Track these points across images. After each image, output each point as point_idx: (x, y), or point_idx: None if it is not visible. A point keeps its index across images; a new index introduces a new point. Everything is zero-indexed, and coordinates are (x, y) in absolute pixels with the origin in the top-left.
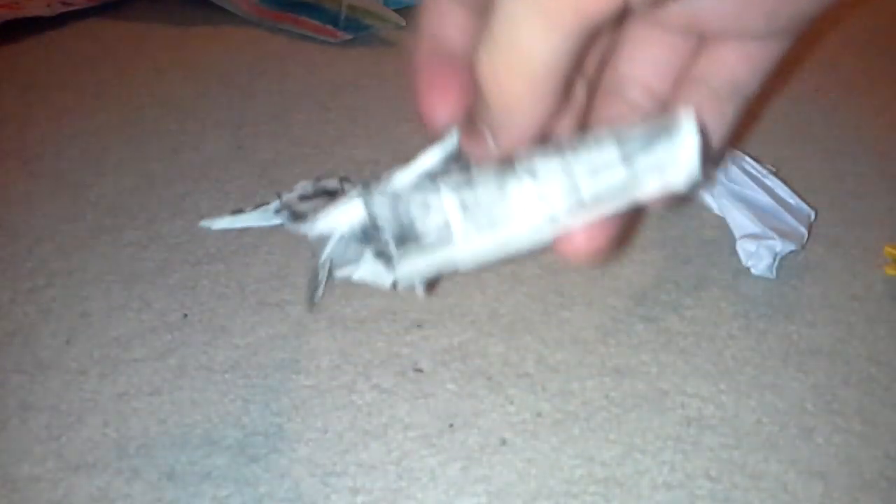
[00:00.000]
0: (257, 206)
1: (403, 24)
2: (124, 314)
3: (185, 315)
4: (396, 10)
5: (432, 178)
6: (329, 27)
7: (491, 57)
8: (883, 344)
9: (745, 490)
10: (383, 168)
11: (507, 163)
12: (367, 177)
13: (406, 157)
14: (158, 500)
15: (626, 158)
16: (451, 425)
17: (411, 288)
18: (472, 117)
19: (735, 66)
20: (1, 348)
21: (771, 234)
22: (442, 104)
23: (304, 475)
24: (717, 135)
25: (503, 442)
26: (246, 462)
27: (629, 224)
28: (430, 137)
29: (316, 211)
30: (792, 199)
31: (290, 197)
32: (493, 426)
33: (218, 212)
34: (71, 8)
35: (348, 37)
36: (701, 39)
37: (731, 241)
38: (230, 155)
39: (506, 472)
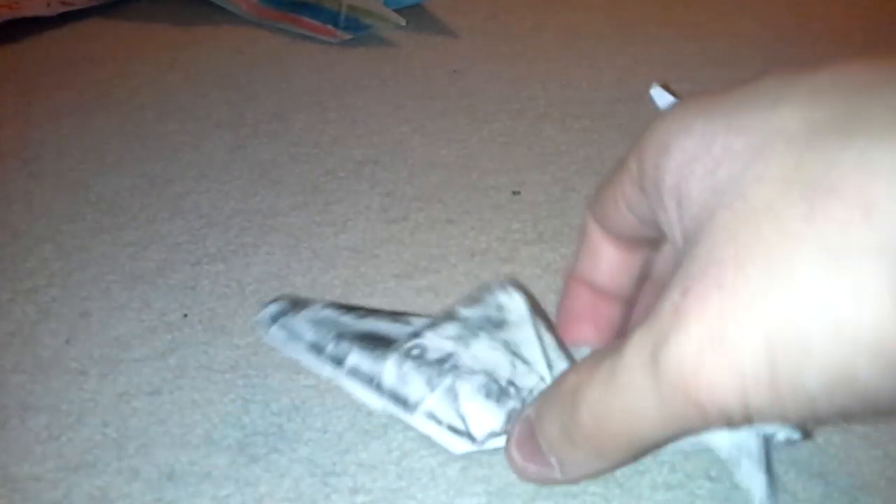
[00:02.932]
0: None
1: (403, 23)
2: (124, 314)
3: (185, 315)
4: (396, 10)
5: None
6: (329, 27)
7: (600, 404)
8: None
9: (745, 490)
10: (383, 168)
11: None
12: (367, 177)
13: (406, 157)
14: (158, 500)
15: None
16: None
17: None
18: (535, 446)
19: None
20: (1, 348)
21: None
22: (578, 332)
23: (304, 475)
24: None
25: None
26: (246, 462)
27: None
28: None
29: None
30: None
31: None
32: None
33: (218, 212)
34: (71, 8)
35: (348, 37)
36: None
37: None
38: (230, 155)
39: (506, 472)
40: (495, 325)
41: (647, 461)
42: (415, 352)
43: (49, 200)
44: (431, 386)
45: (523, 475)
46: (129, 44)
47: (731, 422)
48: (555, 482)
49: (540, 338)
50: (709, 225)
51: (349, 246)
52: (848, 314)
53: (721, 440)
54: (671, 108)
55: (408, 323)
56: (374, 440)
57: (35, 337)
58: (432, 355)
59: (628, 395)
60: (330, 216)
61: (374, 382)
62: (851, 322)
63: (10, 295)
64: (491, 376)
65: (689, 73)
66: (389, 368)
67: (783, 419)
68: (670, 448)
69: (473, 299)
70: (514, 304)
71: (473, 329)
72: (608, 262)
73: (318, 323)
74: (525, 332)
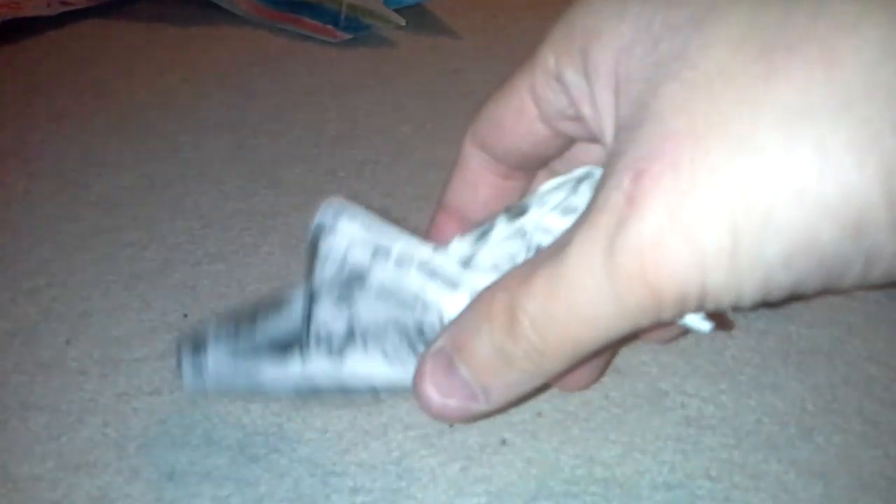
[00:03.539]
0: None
1: (403, 23)
2: (124, 314)
3: (185, 315)
4: (396, 10)
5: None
6: (329, 27)
7: (543, 314)
8: (883, 344)
9: (745, 490)
10: (383, 168)
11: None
12: (367, 177)
13: (406, 157)
14: (158, 500)
15: None
16: (451, 425)
17: None
18: (452, 375)
19: None
20: (1, 348)
21: None
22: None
23: (304, 475)
24: None
25: (503, 442)
26: (246, 462)
27: None
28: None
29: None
30: None
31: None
32: (493, 426)
33: (218, 212)
34: (71, 8)
35: (348, 37)
36: None
37: None
38: (230, 155)
39: (506, 472)
40: (356, 279)
41: (647, 461)
42: (323, 332)
43: (49, 200)
44: (389, 358)
45: (442, 414)
46: (129, 44)
47: (684, 310)
48: (478, 414)
49: (398, 270)
50: (654, 102)
51: None
52: (811, 178)
53: None
54: None
55: (287, 302)
56: (374, 440)
57: (35, 337)
58: (337, 326)
59: (577, 297)
60: None
61: (339, 390)
62: (815, 186)
63: (10, 295)
64: (401, 329)
65: None
66: (328, 386)
67: (737, 299)
68: (670, 448)
69: (315, 258)
70: (351, 242)
71: (346, 290)
72: (486, 193)
73: (233, 362)
74: (383, 274)
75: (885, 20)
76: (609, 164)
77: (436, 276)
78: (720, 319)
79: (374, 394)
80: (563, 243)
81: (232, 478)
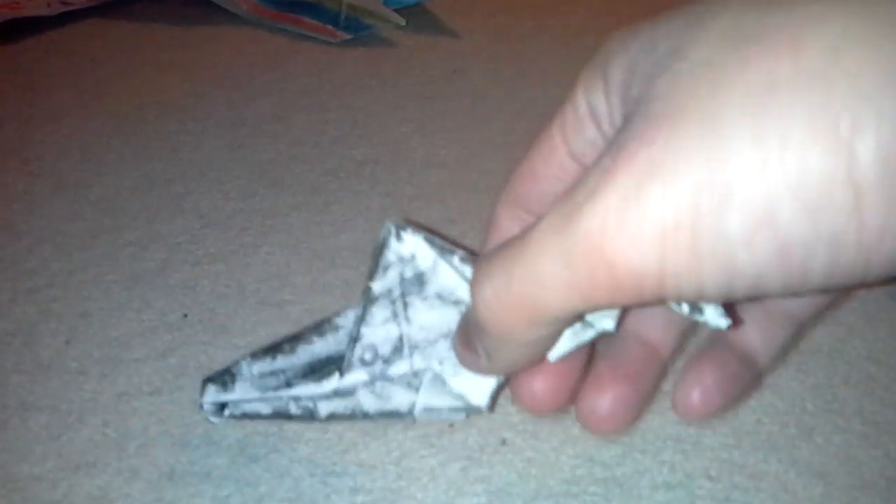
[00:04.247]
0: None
1: (403, 23)
2: (124, 314)
3: (185, 315)
4: (396, 10)
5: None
6: (329, 27)
7: (504, 291)
8: (883, 344)
9: (745, 490)
10: (383, 168)
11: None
12: (367, 177)
13: (406, 157)
14: (158, 500)
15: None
16: (451, 425)
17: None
18: (468, 333)
19: (789, 304)
20: (1, 348)
21: None
22: None
23: (304, 475)
24: (767, 355)
25: (503, 442)
26: (246, 462)
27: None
28: None
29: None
30: None
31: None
32: (493, 426)
33: (218, 212)
34: (71, 8)
35: (348, 37)
36: None
37: None
38: (230, 155)
39: (506, 472)
40: (416, 283)
41: (647, 461)
42: (367, 356)
43: (49, 200)
44: (414, 387)
45: (464, 364)
46: (129, 44)
47: (641, 294)
48: (488, 371)
49: (460, 272)
50: (646, 93)
51: (349, 246)
52: (772, 156)
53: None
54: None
55: (335, 328)
56: (374, 440)
57: (35, 337)
58: (384, 349)
59: (536, 262)
60: (330, 216)
61: (358, 414)
62: (776, 163)
63: (10, 295)
64: (451, 336)
65: None
66: (365, 397)
67: (699, 287)
68: (670, 448)
69: (377, 267)
70: (417, 249)
71: (401, 300)
72: None
73: (261, 384)
74: (446, 274)
75: (851, 11)
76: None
77: None
78: (735, 317)
79: (410, 413)
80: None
81: (232, 478)
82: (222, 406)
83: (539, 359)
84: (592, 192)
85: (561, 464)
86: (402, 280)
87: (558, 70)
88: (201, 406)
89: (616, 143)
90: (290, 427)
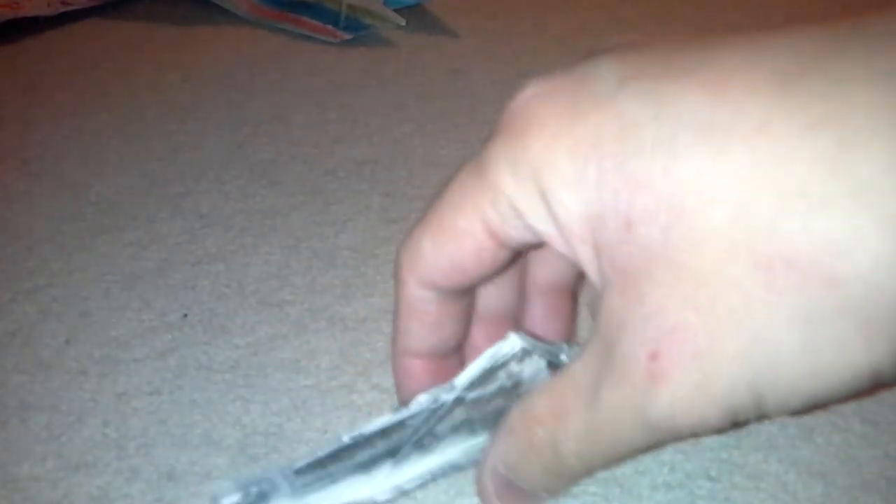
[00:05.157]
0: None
1: (403, 23)
2: (124, 314)
3: (185, 315)
4: (396, 10)
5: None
6: (329, 27)
7: (588, 452)
8: None
9: (745, 490)
10: (383, 168)
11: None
12: (367, 177)
13: (406, 157)
14: (158, 500)
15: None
16: None
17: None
18: (517, 482)
19: None
20: (1, 348)
21: None
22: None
23: None
24: None
25: None
26: (246, 462)
27: None
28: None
29: None
30: None
31: None
32: None
33: (218, 212)
34: (71, 8)
35: (348, 37)
36: None
37: None
38: (230, 155)
39: None
40: (511, 390)
41: (647, 461)
42: (426, 441)
43: (49, 200)
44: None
45: None
46: (129, 44)
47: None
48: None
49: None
50: (647, 285)
51: (349, 246)
52: (826, 360)
53: None
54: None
55: (403, 427)
56: None
57: (35, 337)
58: (442, 431)
59: (615, 438)
60: (330, 216)
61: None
62: (828, 367)
63: (10, 295)
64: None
65: None
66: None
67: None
68: (670, 448)
69: (480, 380)
70: (529, 364)
71: (495, 410)
72: (445, 320)
73: (303, 489)
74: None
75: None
76: (614, 326)
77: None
78: None
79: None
80: (589, 387)
81: (232, 478)
82: None
83: None
84: (652, 391)
85: None
86: (499, 390)
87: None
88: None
89: (646, 342)
90: (291, 427)
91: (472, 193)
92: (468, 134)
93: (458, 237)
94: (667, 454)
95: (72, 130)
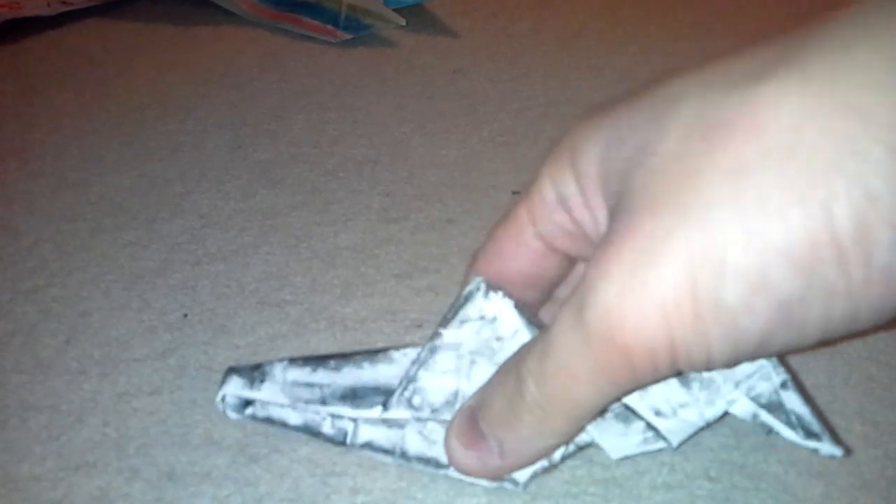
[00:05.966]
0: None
1: (403, 23)
2: (124, 314)
3: (185, 315)
4: (396, 10)
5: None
6: (329, 27)
7: (540, 373)
8: (883, 344)
9: (745, 490)
10: (383, 168)
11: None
12: (367, 177)
13: (406, 157)
14: (158, 500)
15: None
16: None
17: None
18: (477, 430)
19: None
20: (1, 348)
21: None
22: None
23: (304, 475)
24: None
25: None
26: (246, 462)
27: None
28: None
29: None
30: None
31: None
32: None
33: (218, 212)
34: (71, 8)
35: (348, 37)
36: None
37: None
38: (230, 155)
39: None
40: (491, 345)
41: (647, 461)
42: (416, 400)
43: (49, 200)
44: None
45: (462, 465)
46: (129, 44)
47: (658, 368)
48: (495, 471)
49: None
50: (626, 189)
51: (349, 246)
52: (756, 225)
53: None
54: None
55: (390, 360)
56: None
57: (35, 337)
58: (435, 398)
59: (563, 357)
60: (330, 216)
61: (396, 452)
62: (760, 232)
63: (10, 295)
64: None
65: None
66: (412, 436)
67: (708, 354)
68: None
69: (454, 317)
70: (502, 313)
71: (468, 357)
72: (540, 259)
73: (292, 392)
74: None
75: (802, 91)
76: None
77: None
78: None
79: (449, 467)
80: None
81: (232, 478)
82: (245, 403)
83: (548, 455)
84: (593, 288)
85: (560, 464)
86: (477, 338)
87: (558, 70)
88: (222, 398)
89: (606, 239)
90: None
91: (521, 197)
92: (468, 134)
93: (505, 225)
94: (667, 454)
95: (72, 130)
